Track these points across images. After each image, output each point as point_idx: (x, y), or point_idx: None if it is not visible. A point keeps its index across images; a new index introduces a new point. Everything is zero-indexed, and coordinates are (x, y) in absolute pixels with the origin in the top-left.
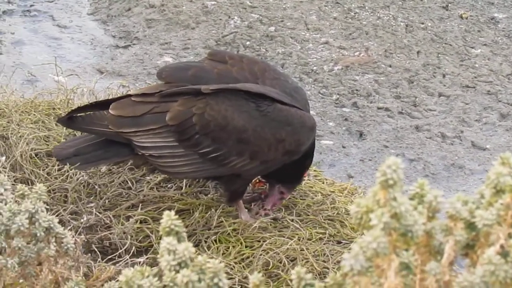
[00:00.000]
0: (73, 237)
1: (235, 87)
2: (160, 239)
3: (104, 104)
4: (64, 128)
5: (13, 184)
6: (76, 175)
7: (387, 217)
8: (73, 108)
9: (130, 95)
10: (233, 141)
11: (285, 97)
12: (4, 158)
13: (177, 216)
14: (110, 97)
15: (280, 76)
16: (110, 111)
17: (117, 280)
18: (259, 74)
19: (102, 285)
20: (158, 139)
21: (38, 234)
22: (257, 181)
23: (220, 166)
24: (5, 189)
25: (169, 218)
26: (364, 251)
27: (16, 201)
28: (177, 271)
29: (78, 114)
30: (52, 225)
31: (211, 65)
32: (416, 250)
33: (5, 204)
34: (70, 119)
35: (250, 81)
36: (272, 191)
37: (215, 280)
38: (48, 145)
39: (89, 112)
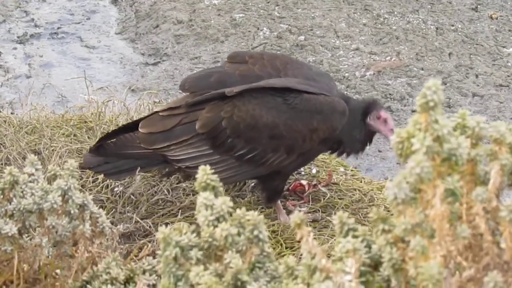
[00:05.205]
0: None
1: (259, 85)
2: None
3: (131, 127)
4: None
5: None
6: (111, 185)
7: (429, 140)
8: (100, 137)
9: (157, 112)
10: (266, 138)
11: (309, 83)
12: None
13: (213, 170)
14: (141, 108)
15: (303, 66)
16: (140, 129)
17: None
18: (281, 67)
19: (140, 259)
20: (192, 149)
21: (72, 212)
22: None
23: (258, 166)
24: (36, 169)
25: (204, 173)
26: (407, 179)
27: (48, 182)
28: (215, 226)
29: (108, 141)
30: (86, 202)
31: (232, 67)
32: (461, 179)
33: (37, 184)
34: (100, 147)
35: (273, 76)
36: None
37: (255, 233)
38: (81, 157)
39: (119, 137)
